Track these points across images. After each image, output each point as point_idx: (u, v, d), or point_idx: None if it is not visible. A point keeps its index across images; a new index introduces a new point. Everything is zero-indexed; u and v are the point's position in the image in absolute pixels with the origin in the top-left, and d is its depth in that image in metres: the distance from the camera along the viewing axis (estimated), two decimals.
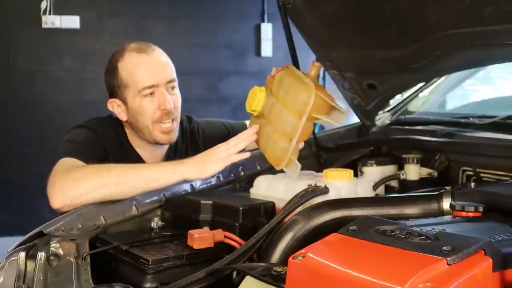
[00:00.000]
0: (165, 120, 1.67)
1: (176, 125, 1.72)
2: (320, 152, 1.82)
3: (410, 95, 2.01)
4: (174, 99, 1.69)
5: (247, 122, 1.97)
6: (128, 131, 1.76)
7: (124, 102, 1.68)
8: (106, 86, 1.74)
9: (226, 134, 1.93)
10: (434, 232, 0.75)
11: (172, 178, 1.41)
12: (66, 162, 1.50)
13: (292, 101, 1.33)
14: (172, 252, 1.10)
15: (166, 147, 1.80)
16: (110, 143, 1.69)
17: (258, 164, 1.66)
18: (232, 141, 1.44)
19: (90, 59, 4.02)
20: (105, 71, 1.73)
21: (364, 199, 1.18)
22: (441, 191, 1.07)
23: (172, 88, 1.69)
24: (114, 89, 1.69)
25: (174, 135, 1.72)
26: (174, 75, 1.70)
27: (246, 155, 1.45)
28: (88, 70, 4.03)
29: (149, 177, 1.40)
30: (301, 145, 1.38)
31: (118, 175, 1.39)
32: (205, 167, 1.41)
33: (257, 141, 1.47)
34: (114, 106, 1.71)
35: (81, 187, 1.37)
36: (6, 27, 3.87)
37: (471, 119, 1.75)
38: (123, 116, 1.71)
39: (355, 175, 1.42)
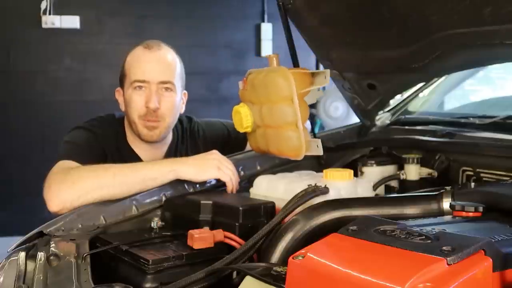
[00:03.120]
0: (150, 118, 1.67)
1: (162, 126, 1.71)
2: None
3: (410, 95, 2.01)
4: (165, 101, 1.68)
5: None
6: (127, 128, 1.77)
7: (123, 92, 1.74)
8: None
9: (226, 134, 1.93)
10: (434, 232, 0.75)
11: (169, 176, 1.43)
12: (62, 164, 1.50)
13: (276, 92, 1.36)
14: (172, 252, 1.10)
15: (165, 147, 1.80)
16: (109, 145, 1.70)
17: (258, 164, 1.66)
18: (233, 168, 1.49)
19: (90, 59, 4.03)
20: None
21: (364, 199, 1.17)
22: (441, 191, 1.07)
23: (166, 89, 1.69)
24: (120, 79, 1.76)
25: (159, 134, 1.71)
26: (172, 78, 1.70)
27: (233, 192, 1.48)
28: (88, 70, 4.04)
29: (146, 175, 1.41)
30: (308, 126, 1.41)
31: (116, 174, 1.39)
32: (202, 171, 1.44)
33: (265, 151, 1.48)
34: (119, 95, 1.78)
35: (78, 189, 1.37)
36: (6, 27, 3.88)
37: (471, 119, 1.75)
38: (122, 106, 1.77)
39: (355, 175, 1.42)
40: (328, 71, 1.33)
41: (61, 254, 1.11)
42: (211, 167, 1.44)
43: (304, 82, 1.35)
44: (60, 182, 1.39)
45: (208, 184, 1.50)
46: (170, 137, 1.81)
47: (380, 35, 1.49)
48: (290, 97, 1.33)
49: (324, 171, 1.33)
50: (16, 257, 1.12)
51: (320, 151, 1.36)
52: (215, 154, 1.50)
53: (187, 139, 1.87)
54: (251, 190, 1.44)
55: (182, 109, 1.81)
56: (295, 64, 1.55)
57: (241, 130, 1.50)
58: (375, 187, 1.48)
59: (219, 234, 1.16)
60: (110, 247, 1.16)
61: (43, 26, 3.89)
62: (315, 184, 1.20)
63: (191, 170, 1.43)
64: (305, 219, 1.03)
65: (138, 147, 1.76)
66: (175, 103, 1.72)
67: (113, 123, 1.77)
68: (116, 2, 4.12)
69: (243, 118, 1.46)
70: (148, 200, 1.40)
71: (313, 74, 1.37)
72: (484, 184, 1.30)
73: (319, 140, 1.36)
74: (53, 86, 4.00)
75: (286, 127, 1.36)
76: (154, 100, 1.65)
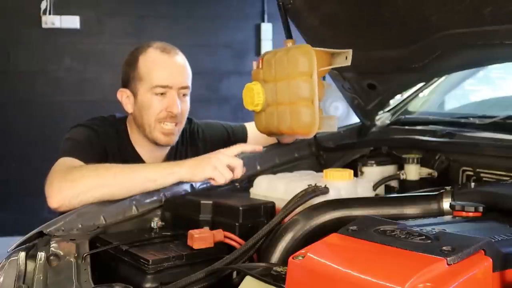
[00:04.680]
0: (168, 121, 1.68)
1: (178, 130, 1.73)
2: (320, 152, 1.82)
3: (410, 95, 2.01)
4: (183, 106, 1.70)
5: (247, 125, 1.97)
6: (130, 129, 1.76)
7: (135, 94, 1.70)
8: (122, 75, 1.76)
9: (226, 136, 1.94)
10: (434, 232, 0.75)
11: (169, 178, 1.42)
12: (64, 161, 1.50)
13: (296, 68, 1.36)
14: (172, 252, 1.09)
15: (166, 148, 1.80)
16: (111, 144, 1.69)
17: (258, 164, 1.66)
18: (228, 151, 1.46)
19: (90, 59, 4.03)
20: (125, 61, 1.75)
21: (364, 199, 1.17)
22: (441, 191, 1.07)
23: (184, 95, 1.71)
24: (128, 80, 1.72)
25: (174, 139, 1.73)
26: (189, 83, 1.72)
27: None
28: (88, 70, 4.04)
29: (146, 177, 1.41)
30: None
31: (116, 174, 1.39)
32: (198, 170, 1.41)
33: (274, 131, 1.48)
34: (123, 96, 1.73)
35: (78, 187, 1.37)
36: (6, 27, 3.88)
37: (471, 119, 1.75)
38: (129, 108, 1.73)
39: (355, 175, 1.42)
40: (350, 51, 1.33)
41: (61, 254, 1.11)
42: (207, 165, 1.41)
43: (323, 60, 1.37)
44: (62, 180, 1.39)
45: (208, 184, 1.50)
46: None
47: (380, 35, 1.49)
48: (310, 72, 1.34)
49: (324, 171, 1.33)
50: (16, 257, 1.12)
51: (334, 128, 1.37)
52: (219, 153, 1.45)
53: (187, 140, 1.87)
54: (251, 190, 1.44)
55: None
56: None
57: (250, 108, 1.50)
58: (375, 187, 1.48)
59: (219, 234, 1.16)
60: (110, 247, 1.16)
61: (43, 26, 3.90)
62: (315, 184, 1.20)
63: (189, 170, 1.42)
64: (305, 219, 1.03)
65: (142, 147, 1.75)
66: (188, 107, 1.75)
67: (114, 123, 1.77)
68: (116, 2, 4.12)
69: (255, 95, 1.46)
70: (148, 200, 1.40)
71: (333, 54, 1.37)
72: (484, 184, 1.30)
73: (334, 117, 1.37)
74: (53, 86, 4.00)
75: (301, 103, 1.36)
76: (178, 105, 1.67)
